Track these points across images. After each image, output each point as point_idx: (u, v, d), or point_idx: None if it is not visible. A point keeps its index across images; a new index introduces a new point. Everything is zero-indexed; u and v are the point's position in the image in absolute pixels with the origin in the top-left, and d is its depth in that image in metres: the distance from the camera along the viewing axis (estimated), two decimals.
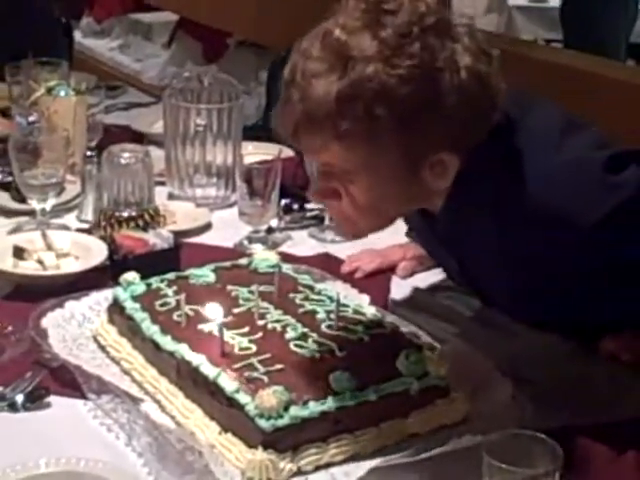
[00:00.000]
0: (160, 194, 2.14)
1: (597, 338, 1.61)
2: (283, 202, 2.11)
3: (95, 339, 1.58)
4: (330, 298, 1.57)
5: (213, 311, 1.47)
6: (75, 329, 1.59)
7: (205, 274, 1.63)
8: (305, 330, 1.47)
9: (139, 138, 2.52)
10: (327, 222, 2.09)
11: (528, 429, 1.34)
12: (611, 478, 1.32)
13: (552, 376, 1.55)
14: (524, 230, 1.45)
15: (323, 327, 1.48)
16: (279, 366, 1.36)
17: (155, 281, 1.61)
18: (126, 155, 2.02)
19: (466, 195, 1.48)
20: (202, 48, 5.48)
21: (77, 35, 5.22)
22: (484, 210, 1.48)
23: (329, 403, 1.30)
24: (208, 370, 1.36)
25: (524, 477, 1.20)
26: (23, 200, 2.04)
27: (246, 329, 1.46)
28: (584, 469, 1.31)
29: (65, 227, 2.04)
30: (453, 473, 1.30)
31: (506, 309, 1.66)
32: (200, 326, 1.47)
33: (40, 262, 1.83)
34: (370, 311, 1.56)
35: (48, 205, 1.99)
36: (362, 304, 1.61)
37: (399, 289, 1.86)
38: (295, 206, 2.14)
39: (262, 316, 1.50)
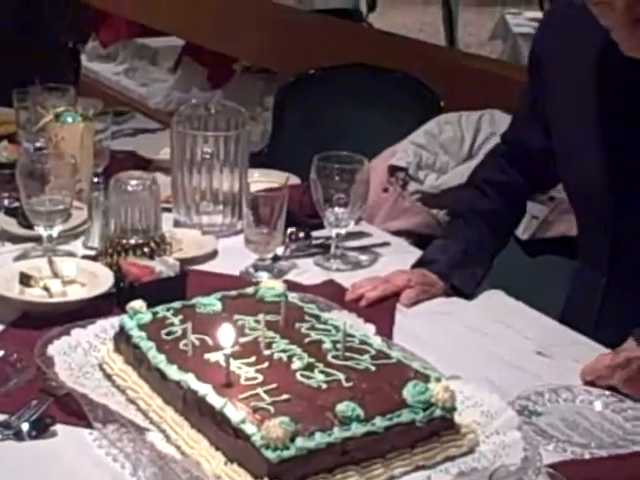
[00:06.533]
0: (166, 221, 2.14)
1: None
2: (289, 230, 2.11)
3: (101, 367, 1.57)
4: (336, 328, 1.57)
5: (222, 339, 1.47)
6: (81, 357, 1.59)
7: (211, 303, 1.63)
8: (311, 360, 1.46)
9: (145, 164, 2.53)
10: (332, 250, 2.09)
11: (535, 462, 1.35)
12: None
13: (561, 410, 1.55)
14: None
15: (329, 357, 1.48)
16: (285, 396, 1.36)
17: (161, 310, 1.61)
18: (133, 182, 2.02)
19: None
20: (207, 73, 5.50)
21: (82, 59, 5.25)
22: None
23: (335, 434, 1.30)
24: (214, 400, 1.35)
25: None
26: (30, 226, 2.05)
27: (252, 359, 1.46)
28: None
29: (71, 254, 2.04)
30: None
31: None
32: (206, 355, 1.47)
33: (46, 289, 1.83)
34: (376, 341, 1.56)
35: (55, 232, 2.00)
36: (368, 334, 1.61)
37: (404, 319, 1.87)
38: (301, 234, 2.14)
39: (268, 346, 1.50)
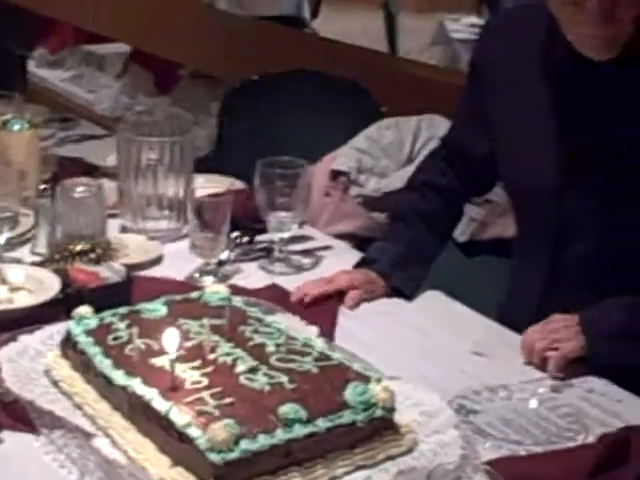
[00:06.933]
0: (113, 227, 2.12)
1: None
2: (233, 234, 2.10)
3: (48, 374, 1.55)
4: (279, 330, 1.57)
5: (168, 344, 1.46)
6: (28, 363, 1.57)
7: (157, 308, 1.62)
8: (255, 363, 1.46)
9: (92, 170, 2.50)
10: (276, 254, 2.09)
11: (473, 460, 1.36)
12: None
13: (497, 408, 1.57)
14: None
15: (273, 360, 1.47)
16: (230, 399, 1.35)
17: (107, 315, 1.59)
18: (80, 189, 2.00)
19: None
20: (154, 79, 5.47)
21: (31, 65, 5.20)
22: None
23: (279, 435, 1.30)
24: (160, 404, 1.35)
25: None
26: None
27: (197, 363, 1.45)
28: None
29: (18, 260, 2.01)
30: None
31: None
32: (152, 360, 1.46)
33: None
34: (318, 343, 1.56)
35: (1, 239, 1.97)
36: (310, 336, 1.61)
37: (346, 320, 1.87)
38: (245, 239, 2.14)
39: (213, 349, 1.49)
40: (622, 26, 1.67)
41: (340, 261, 2.11)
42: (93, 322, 1.57)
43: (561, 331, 1.71)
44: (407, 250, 2.01)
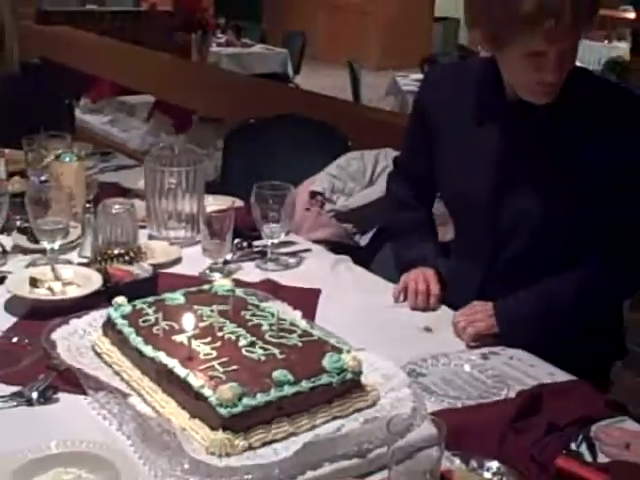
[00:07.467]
0: (142, 235, 2.12)
1: None
2: (236, 241, 2.10)
3: (93, 348, 1.55)
4: (272, 314, 1.57)
5: (186, 325, 1.46)
6: (77, 341, 1.57)
7: (177, 297, 1.62)
8: (253, 339, 1.46)
9: (126, 193, 2.49)
10: (269, 255, 2.09)
11: (421, 411, 1.36)
12: (481, 446, 1.32)
13: (440, 371, 1.57)
14: None
15: (267, 336, 1.47)
16: (234, 367, 1.36)
17: (139, 303, 1.59)
18: (116, 206, 2.00)
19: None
20: (173, 122, 5.47)
21: (77, 111, 5.18)
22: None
23: (272, 394, 1.30)
24: (180, 371, 1.35)
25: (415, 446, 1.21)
26: (37, 241, 2.00)
27: (208, 339, 1.45)
28: (462, 440, 1.32)
29: (69, 262, 2.00)
30: (365, 445, 1.30)
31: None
32: (174, 337, 1.46)
33: (50, 289, 1.80)
34: (302, 323, 1.56)
35: (56, 245, 1.96)
36: (296, 318, 1.61)
37: (323, 306, 1.86)
38: (245, 244, 2.14)
39: (220, 329, 1.49)
40: (563, 75, 1.62)
41: (317, 260, 2.11)
42: (128, 308, 1.56)
43: (478, 314, 1.71)
44: (434, 247, 1.99)
